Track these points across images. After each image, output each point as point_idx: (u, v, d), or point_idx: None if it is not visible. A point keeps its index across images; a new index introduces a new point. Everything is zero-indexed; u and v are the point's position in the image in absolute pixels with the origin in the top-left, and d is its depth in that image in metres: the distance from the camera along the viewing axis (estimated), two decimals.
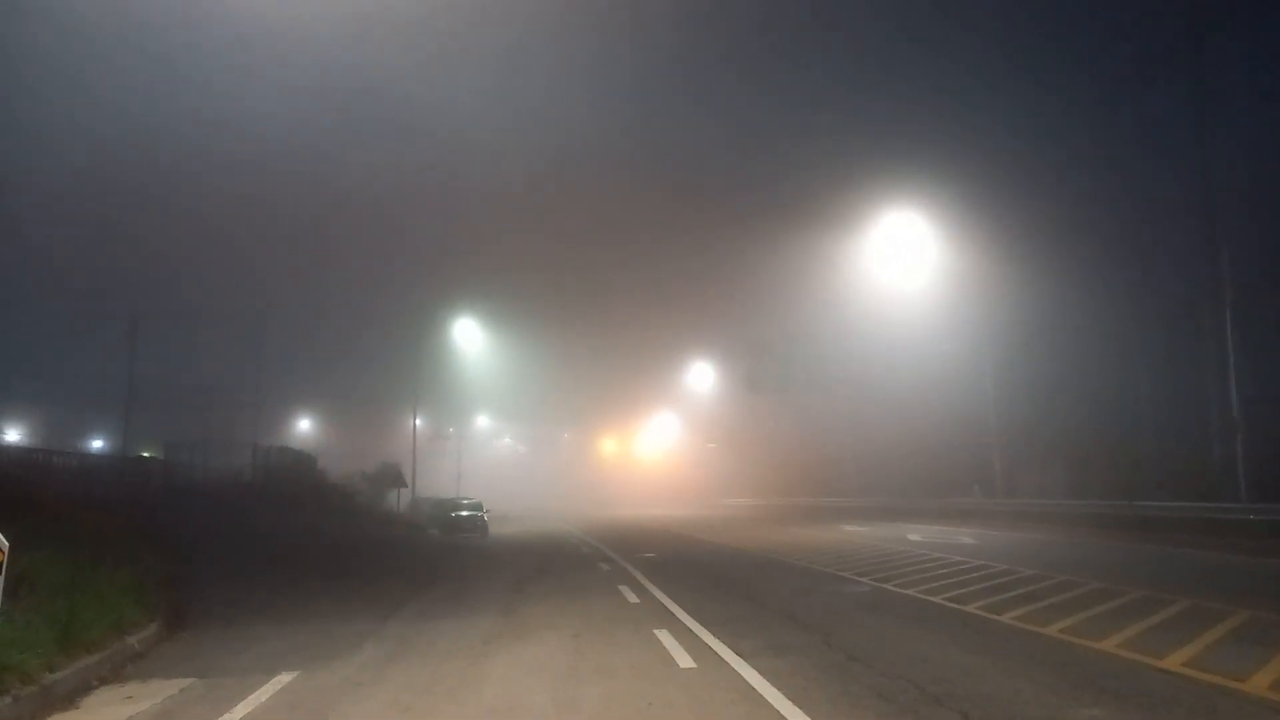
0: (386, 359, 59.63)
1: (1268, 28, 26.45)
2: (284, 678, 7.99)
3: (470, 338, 52.93)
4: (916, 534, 25.31)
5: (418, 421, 46.46)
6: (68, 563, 9.85)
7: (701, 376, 66.73)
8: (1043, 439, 34.45)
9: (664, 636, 9.60)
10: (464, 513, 34.77)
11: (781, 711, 6.50)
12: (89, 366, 61.65)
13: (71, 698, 7.35)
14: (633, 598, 13.10)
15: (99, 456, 53.37)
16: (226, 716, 6.80)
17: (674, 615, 11.14)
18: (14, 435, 55.61)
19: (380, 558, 22.12)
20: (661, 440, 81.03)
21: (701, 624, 10.29)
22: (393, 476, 44.29)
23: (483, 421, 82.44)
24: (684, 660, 8.37)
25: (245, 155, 62.28)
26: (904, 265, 36.01)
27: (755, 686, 7.25)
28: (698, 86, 66.39)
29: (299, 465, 40.93)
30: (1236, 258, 25.80)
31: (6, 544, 7.41)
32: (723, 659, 8.37)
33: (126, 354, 51.14)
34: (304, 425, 76.20)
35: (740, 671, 7.80)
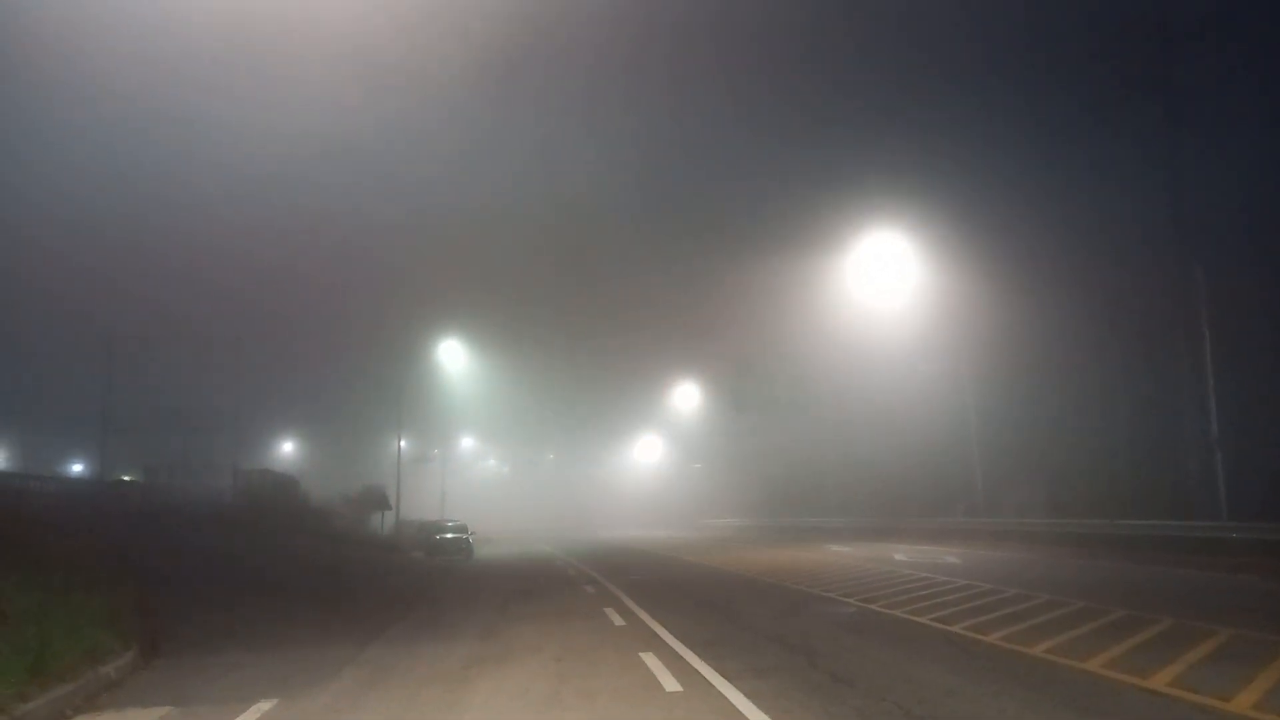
0: (371, 381, 59.31)
1: (1237, 48, 26.86)
2: (263, 706, 7.86)
3: (455, 359, 52.76)
4: (901, 554, 25.31)
5: (402, 443, 46.18)
6: (40, 590, 9.69)
7: (686, 397, 66.67)
8: (1024, 458, 34.58)
9: (649, 659, 9.53)
10: (448, 535, 34.56)
11: None
12: (71, 390, 61.09)
13: None
14: (618, 620, 13.01)
15: (77, 481, 52.74)
16: None
17: (659, 638, 11.06)
18: None
19: (362, 582, 21.90)
20: (647, 461, 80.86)
21: (687, 646, 10.22)
22: (376, 499, 43.94)
23: (467, 443, 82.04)
24: (669, 684, 8.30)
25: (227, 181, 62.17)
26: (886, 285, 36.16)
27: (740, 709, 7.19)
28: (682, 113, 66.88)
29: (280, 488, 40.58)
30: (1213, 275, 26.11)
31: None
32: (708, 681, 8.31)
33: (104, 376, 50.67)
34: (287, 448, 75.61)
35: (725, 694, 7.74)
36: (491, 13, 41.67)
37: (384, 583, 22.01)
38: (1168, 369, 28.21)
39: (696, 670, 8.86)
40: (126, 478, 48.26)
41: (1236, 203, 28.61)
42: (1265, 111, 27.10)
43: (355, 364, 64.24)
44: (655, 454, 79.38)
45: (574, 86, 61.95)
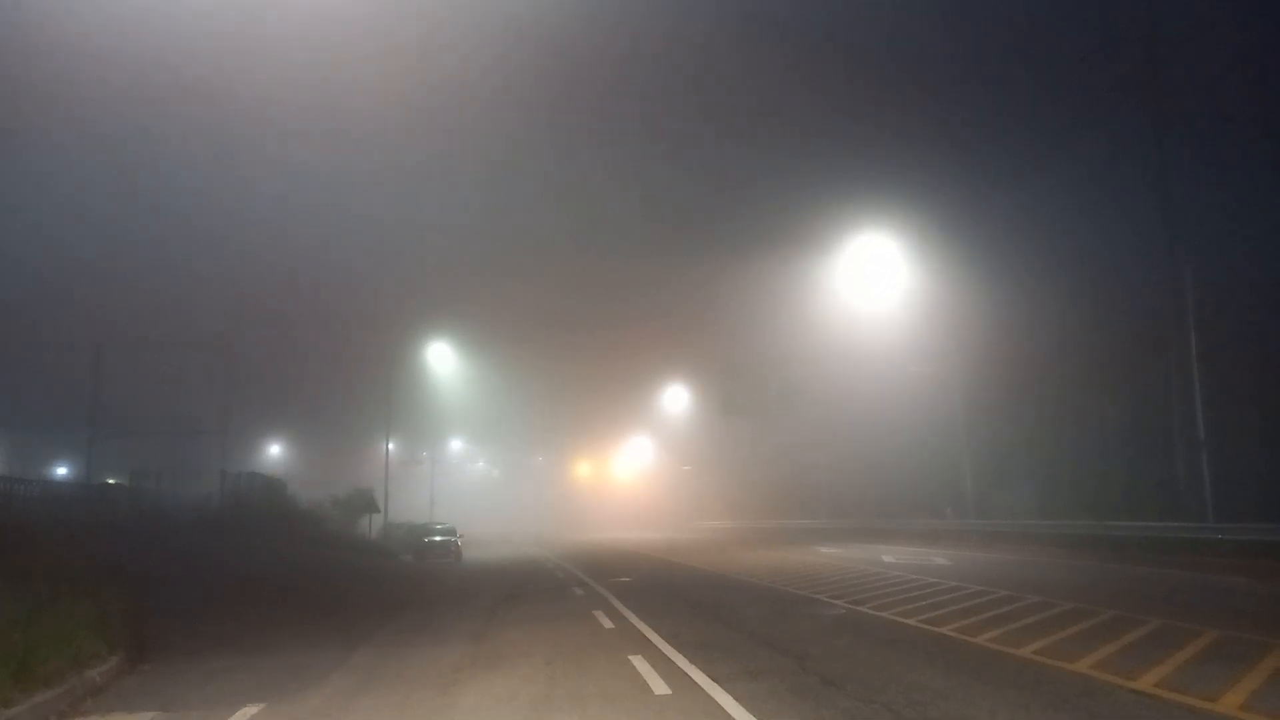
0: (359, 383, 59.09)
1: (1225, 53, 27.05)
2: (250, 710, 7.82)
3: (444, 362, 52.70)
4: (891, 555, 25.34)
5: (390, 446, 46.02)
6: (25, 594, 9.61)
7: (676, 399, 66.70)
8: (1013, 459, 34.72)
9: (639, 662, 9.51)
10: (437, 538, 34.45)
11: None
12: (55, 393, 60.57)
13: None
14: (607, 623, 12.99)
15: (62, 484, 52.26)
16: None
17: (649, 640, 11.05)
18: None
19: (350, 585, 21.81)
20: (636, 463, 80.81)
21: (676, 649, 10.21)
22: (365, 502, 43.78)
23: (456, 445, 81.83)
24: (659, 687, 8.28)
25: (219, 186, 61.84)
26: (875, 288, 36.31)
27: (730, 712, 7.19)
28: (672, 117, 66.94)
29: (268, 491, 40.31)
30: (1199, 277, 26.27)
31: None
32: (697, 684, 8.30)
33: (91, 380, 50.27)
34: (274, 451, 75.25)
35: (715, 697, 7.73)
36: (490, 35, 41.71)
37: (372, 586, 21.92)
38: (1155, 371, 28.35)
39: (685, 673, 8.84)
40: (113, 481, 47.93)
41: (1224, 206, 28.80)
42: (1253, 115, 27.28)
43: (344, 366, 63.97)
44: (646, 456, 79.36)
45: (564, 92, 61.92)
